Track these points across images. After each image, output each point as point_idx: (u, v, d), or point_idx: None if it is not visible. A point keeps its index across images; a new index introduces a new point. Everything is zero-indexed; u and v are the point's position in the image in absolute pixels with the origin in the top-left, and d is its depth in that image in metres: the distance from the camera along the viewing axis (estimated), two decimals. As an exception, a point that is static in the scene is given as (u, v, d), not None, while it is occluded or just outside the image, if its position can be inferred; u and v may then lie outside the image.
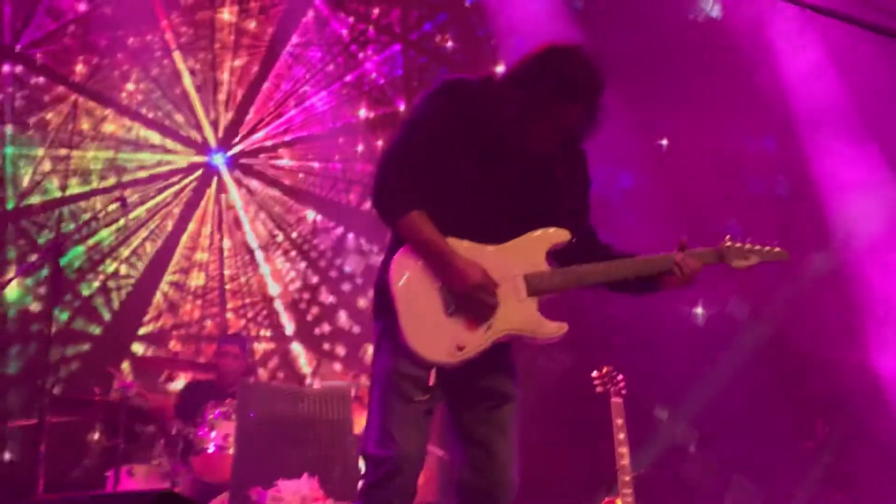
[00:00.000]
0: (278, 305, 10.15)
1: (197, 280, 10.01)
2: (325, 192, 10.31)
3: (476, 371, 3.70)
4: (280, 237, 10.24)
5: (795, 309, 8.38)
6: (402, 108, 10.20)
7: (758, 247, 3.98)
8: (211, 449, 6.97)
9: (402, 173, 3.67)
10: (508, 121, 3.65)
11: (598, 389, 6.28)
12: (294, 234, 10.27)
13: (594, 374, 6.37)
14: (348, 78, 10.26)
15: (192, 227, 10.01)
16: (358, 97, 10.31)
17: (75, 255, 9.54)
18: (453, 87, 3.74)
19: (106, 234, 9.69)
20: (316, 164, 10.31)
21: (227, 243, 10.09)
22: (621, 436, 6.05)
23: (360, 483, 3.68)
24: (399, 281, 3.66)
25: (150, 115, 9.84)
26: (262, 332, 10.12)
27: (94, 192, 9.68)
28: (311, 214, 10.28)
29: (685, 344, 8.56)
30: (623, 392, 6.25)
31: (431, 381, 3.60)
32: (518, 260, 3.71)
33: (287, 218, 10.26)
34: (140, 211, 9.78)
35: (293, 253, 10.25)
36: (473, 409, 3.76)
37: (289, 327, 10.13)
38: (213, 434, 7.00)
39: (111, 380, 7.33)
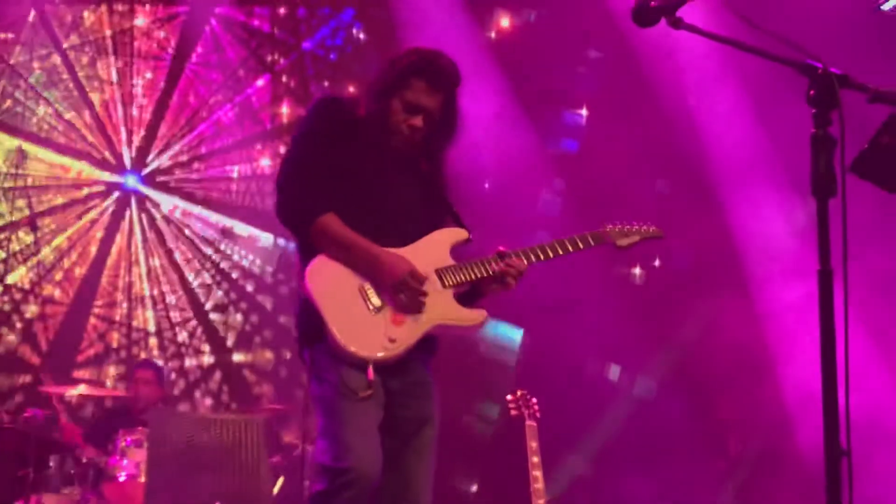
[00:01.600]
0: (214, 318, 10.07)
1: (128, 302, 9.88)
2: (249, 200, 10.23)
3: (400, 393, 3.78)
4: (209, 250, 10.15)
5: (706, 333, 8.49)
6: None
7: (636, 227, 4.21)
8: (122, 477, 6.87)
9: (305, 181, 3.78)
10: (370, 118, 3.85)
11: (513, 412, 6.31)
12: (223, 246, 10.19)
13: (509, 397, 6.39)
14: (260, 83, 10.16)
15: (115, 250, 9.87)
16: (272, 101, 10.22)
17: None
18: (329, 102, 4.01)
19: (24, 271, 9.46)
20: (235, 174, 10.23)
21: (155, 262, 9.96)
22: (535, 459, 6.07)
23: (313, 490, 3.66)
24: (319, 290, 3.70)
25: (62, 140, 9.64)
26: (203, 347, 10.04)
27: (12, 225, 9.45)
28: (237, 224, 10.19)
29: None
30: (537, 415, 6.28)
31: (371, 376, 3.64)
32: (426, 257, 3.84)
33: (212, 230, 10.18)
34: (61, 238, 9.58)
35: (224, 264, 10.18)
36: (395, 434, 3.78)
37: (229, 339, 10.07)
38: (125, 462, 6.90)
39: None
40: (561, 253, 4.00)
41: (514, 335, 9.23)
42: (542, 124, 9.28)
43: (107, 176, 9.82)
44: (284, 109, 10.27)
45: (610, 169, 8.58)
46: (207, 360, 10.04)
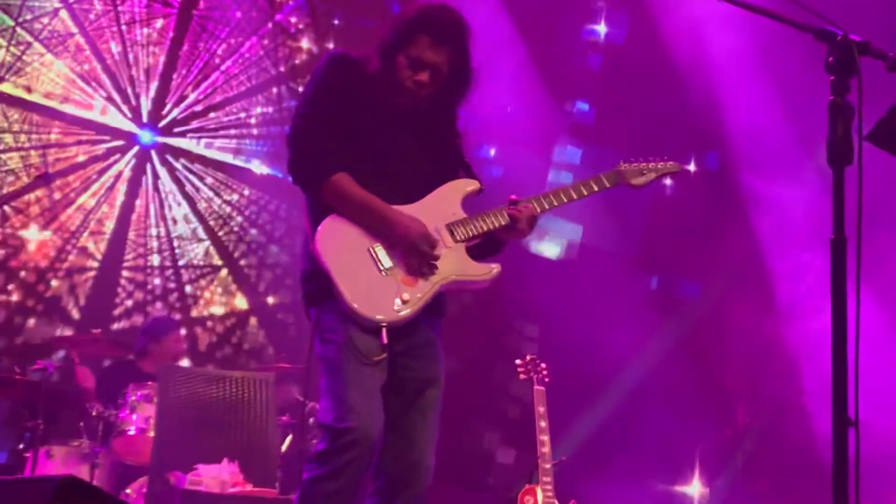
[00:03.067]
0: (245, 263, 10.13)
1: (158, 254, 9.90)
2: (271, 144, 10.16)
3: (404, 355, 3.77)
4: (235, 197, 10.15)
5: (715, 303, 8.48)
6: (331, 46, 10.03)
7: (652, 163, 4.16)
8: (132, 431, 6.89)
9: (317, 138, 3.75)
10: (378, 75, 3.83)
11: (522, 377, 6.33)
12: (246, 191, 10.17)
13: (518, 361, 6.41)
14: (269, 25, 10.01)
15: (139, 203, 9.85)
16: (285, 41, 10.09)
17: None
18: (339, 59, 3.93)
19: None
20: (253, 119, 10.14)
21: (179, 213, 9.96)
22: (543, 423, 6.09)
23: (315, 448, 3.67)
24: (329, 252, 3.67)
25: (77, 97, 9.54)
26: (236, 293, 10.09)
27: (27, 188, 9.33)
28: (263, 168, 10.17)
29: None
30: (546, 380, 6.30)
31: (384, 340, 3.62)
32: (437, 212, 3.83)
33: (234, 177, 10.17)
34: (85, 197, 9.55)
35: (250, 210, 10.16)
36: (398, 394, 3.78)
37: (262, 284, 10.12)
38: (135, 416, 6.92)
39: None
40: (575, 197, 3.96)
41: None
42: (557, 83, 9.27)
43: (129, 125, 9.73)
44: (304, 44, 10.12)
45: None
46: (241, 305, 10.08)
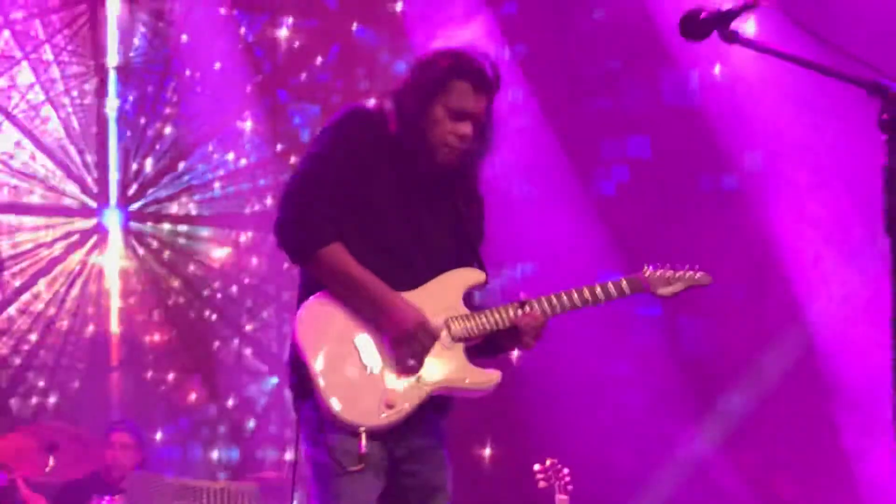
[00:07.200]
0: (251, 328, 9.29)
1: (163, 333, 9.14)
2: (262, 177, 9.25)
3: (406, 460, 3.51)
4: (222, 253, 9.30)
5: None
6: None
7: (680, 272, 3.84)
8: (98, 549, 6.41)
9: (315, 203, 3.45)
10: (407, 130, 3.51)
11: (541, 485, 5.84)
12: (249, 234, 9.26)
13: (536, 467, 5.89)
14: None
15: (135, 280, 9.05)
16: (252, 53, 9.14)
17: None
18: (357, 117, 3.63)
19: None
20: (231, 155, 9.18)
21: (178, 280, 9.14)
22: (569, 531, 5.66)
23: None
24: (308, 340, 3.41)
25: (35, 187, 8.79)
26: (259, 365, 9.23)
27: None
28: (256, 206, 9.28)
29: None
30: (569, 487, 5.82)
31: (363, 449, 3.35)
32: (436, 304, 3.53)
33: (230, 226, 9.26)
34: (77, 289, 8.84)
35: (255, 260, 9.20)
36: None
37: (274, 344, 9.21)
38: (101, 533, 6.44)
39: None
40: (591, 301, 3.64)
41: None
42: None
43: (88, 212, 8.93)
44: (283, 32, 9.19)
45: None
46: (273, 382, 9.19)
